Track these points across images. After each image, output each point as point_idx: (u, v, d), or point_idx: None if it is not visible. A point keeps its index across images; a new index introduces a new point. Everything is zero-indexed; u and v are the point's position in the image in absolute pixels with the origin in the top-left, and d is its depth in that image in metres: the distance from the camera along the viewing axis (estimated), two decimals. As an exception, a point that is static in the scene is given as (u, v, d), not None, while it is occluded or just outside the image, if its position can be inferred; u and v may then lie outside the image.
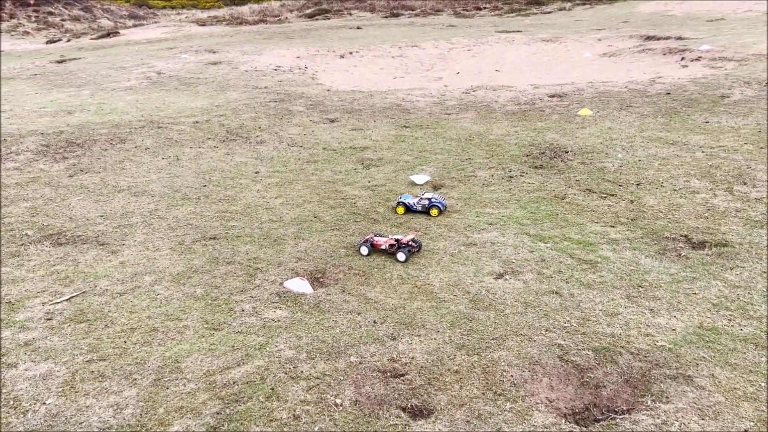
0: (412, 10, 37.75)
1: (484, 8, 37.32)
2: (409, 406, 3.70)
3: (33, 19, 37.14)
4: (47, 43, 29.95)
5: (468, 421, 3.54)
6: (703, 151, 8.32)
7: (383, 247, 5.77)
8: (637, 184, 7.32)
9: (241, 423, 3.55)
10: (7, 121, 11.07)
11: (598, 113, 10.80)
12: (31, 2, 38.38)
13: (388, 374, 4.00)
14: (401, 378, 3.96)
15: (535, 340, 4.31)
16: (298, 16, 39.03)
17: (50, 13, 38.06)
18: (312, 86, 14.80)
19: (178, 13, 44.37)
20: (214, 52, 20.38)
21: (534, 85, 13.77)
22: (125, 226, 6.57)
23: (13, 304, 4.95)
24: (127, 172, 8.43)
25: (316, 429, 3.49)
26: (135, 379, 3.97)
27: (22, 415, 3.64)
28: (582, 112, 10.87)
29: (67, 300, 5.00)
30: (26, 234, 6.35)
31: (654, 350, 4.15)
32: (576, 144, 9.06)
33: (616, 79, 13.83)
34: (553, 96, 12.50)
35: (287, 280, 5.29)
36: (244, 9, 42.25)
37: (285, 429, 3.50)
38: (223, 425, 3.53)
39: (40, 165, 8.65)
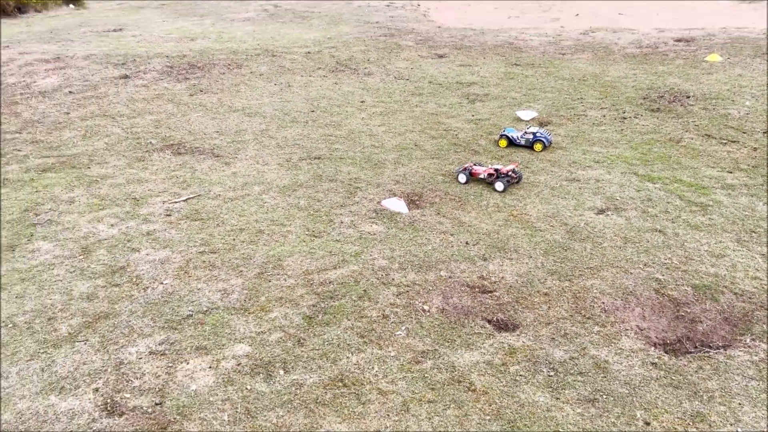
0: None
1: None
2: (494, 318, 3.77)
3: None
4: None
5: (553, 338, 3.57)
6: None
7: (482, 175, 5.77)
8: (764, 132, 6.78)
9: (334, 316, 3.77)
10: (137, 45, 11.83)
11: (729, 60, 9.98)
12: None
13: (477, 289, 4.08)
14: (489, 294, 4.02)
15: (631, 273, 4.21)
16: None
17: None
18: (423, 23, 14.63)
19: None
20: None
21: (659, 29, 12.87)
22: (238, 141, 6.95)
23: (137, 200, 5.43)
24: (242, 94, 8.83)
25: (403, 328, 3.66)
26: (241, 271, 4.30)
27: (143, 290, 4.07)
28: (710, 58, 10.08)
29: (184, 200, 5.43)
30: (150, 142, 6.88)
31: (761, 293, 3.94)
32: (699, 89, 8.46)
33: (753, 26, 12.64)
34: (679, 40, 11.64)
35: (385, 199, 5.43)
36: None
37: (374, 325, 3.69)
38: (317, 316, 3.78)
39: (164, 84, 9.24)
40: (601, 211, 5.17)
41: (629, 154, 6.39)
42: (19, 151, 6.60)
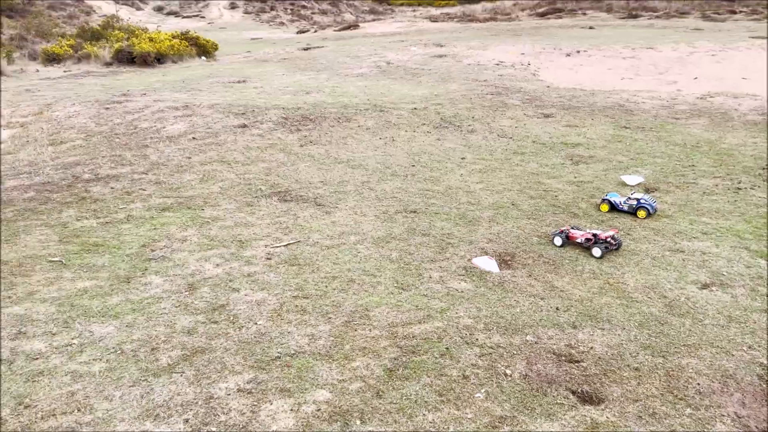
0: (654, 12, 35.19)
1: (740, 11, 33.44)
2: (579, 390, 3.66)
3: (288, 11, 41.72)
4: (297, 32, 33.47)
5: (640, 417, 3.40)
6: None
7: (579, 240, 5.65)
8: None
9: (414, 371, 3.81)
10: (257, 96, 12.72)
11: None
12: (289, -3, 43.07)
13: (563, 358, 3.98)
14: (576, 364, 3.91)
15: (733, 355, 3.95)
16: (530, 14, 38.64)
17: (303, 7, 42.41)
18: (531, 82, 14.68)
19: (414, 10, 46.51)
20: (441, 46, 21.12)
21: (787, 95, 12.13)
22: (340, 192, 7.25)
23: (242, 243, 5.79)
24: (348, 147, 9.23)
25: (482, 390, 3.63)
26: (330, 318, 4.45)
27: (238, 329, 4.31)
28: (844, 128, 9.37)
29: (284, 246, 5.72)
30: (260, 189, 7.33)
31: None
32: (829, 161, 7.87)
33: None
34: (809, 108, 10.92)
35: (476, 257, 5.45)
36: (477, 7, 42.93)
37: (453, 385, 3.69)
38: (398, 369, 3.83)
39: (278, 134, 9.84)
40: (705, 286, 4.90)
41: (742, 227, 6.04)
42: (143, 190, 7.25)
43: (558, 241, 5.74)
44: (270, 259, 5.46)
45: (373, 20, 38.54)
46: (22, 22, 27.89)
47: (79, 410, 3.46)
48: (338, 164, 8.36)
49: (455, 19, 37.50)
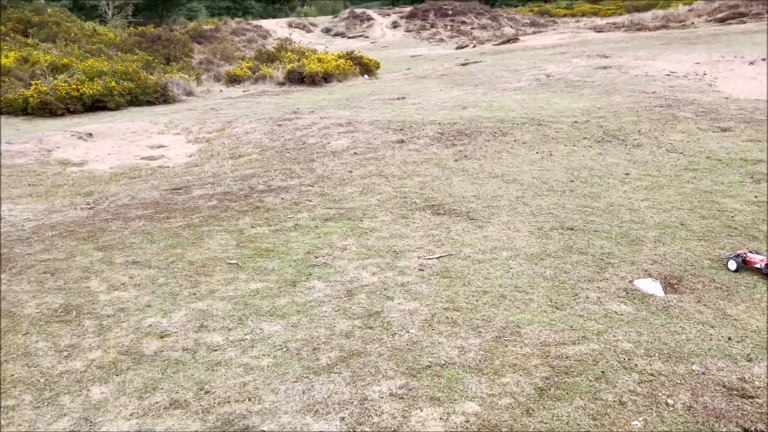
0: None
1: None
2: (753, 429, 3.34)
3: (448, 28, 42.33)
4: (456, 48, 33.84)
5: (827, 466, 3.04)
6: None
7: (758, 265, 5.15)
8: None
9: (567, 392, 3.72)
10: (415, 112, 13.08)
11: None
12: (450, 13, 43.73)
13: (734, 392, 3.66)
14: (749, 400, 3.58)
15: None
16: (707, 20, 35.67)
17: (462, 23, 42.81)
18: (707, 93, 13.57)
19: (577, 21, 44.97)
20: (606, 57, 20.23)
21: None
22: (493, 207, 7.24)
23: (397, 254, 6.01)
24: (503, 161, 9.18)
25: (640, 419, 3.45)
26: (480, 332, 4.48)
27: (391, 336, 4.49)
28: None
29: (436, 258, 5.85)
30: (415, 202, 7.55)
31: None
32: None
33: None
34: None
35: (638, 279, 5.17)
36: (646, 15, 40.49)
37: (608, 410, 3.54)
38: (549, 389, 3.76)
39: (433, 149, 10.05)
40: None
41: None
42: (309, 201, 7.78)
43: (732, 265, 5.27)
44: (422, 270, 5.60)
45: (534, 33, 37.87)
46: (209, 48, 31.17)
47: (249, 399, 3.82)
48: (492, 179, 8.36)
49: (622, 29, 35.70)
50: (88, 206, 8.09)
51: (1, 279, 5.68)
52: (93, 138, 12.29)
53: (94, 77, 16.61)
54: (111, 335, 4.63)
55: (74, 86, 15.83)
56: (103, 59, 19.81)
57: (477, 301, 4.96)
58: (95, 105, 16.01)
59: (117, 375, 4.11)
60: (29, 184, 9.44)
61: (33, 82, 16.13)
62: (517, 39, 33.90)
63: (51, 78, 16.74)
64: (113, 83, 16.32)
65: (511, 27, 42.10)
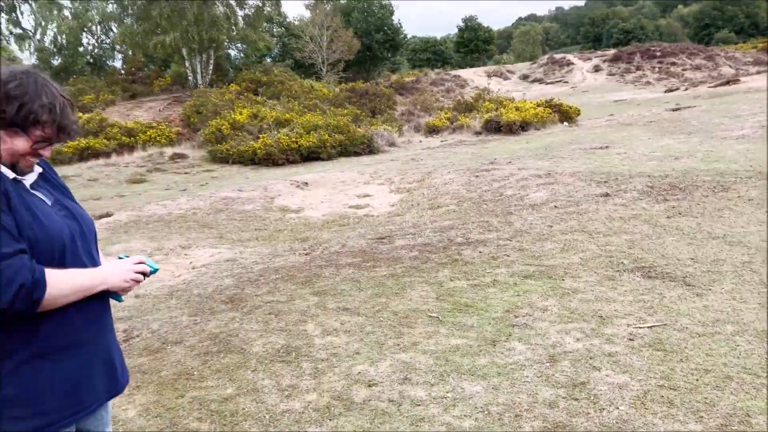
0: None
1: None
2: None
3: (656, 69, 39.93)
4: (665, 92, 31.75)
5: None
6: None
7: None
8: None
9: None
10: (620, 162, 12.48)
11: None
12: (658, 54, 41.30)
13: None
14: None
15: None
16: None
17: (672, 64, 40.12)
18: None
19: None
20: None
21: None
22: (714, 272, 6.60)
23: (603, 319, 5.72)
24: (725, 220, 8.35)
25: None
26: (701, 417, 4.07)
27: (599, 411, 4.26)
28: None
29: (648, 327, 5.46)
30: (622, 262, 7.15)
31: None
32: None
33: None
34: None
35: None
36: None
37: None
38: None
39: (642, 204, 9.47)
40: None
41: None
42: (507, 256, 7.75)
43: None
44: (632, 340, 5.26)
45: (758, 72, 34.21)
46: (410, 99, 32.87)
47: (451, 460, 3.87)
48: (712, 240, 7.63)
49: None
50: (305, 252, 8.90)
51: (236, 318, 6.46)
52: (308, 186, 13.55)
53: (311, 130, 18.39)
54: (325, 379, 5.01)
55: (294, 139, 17.67)
56: (318, 114, 21.87)
57: (697, 380, 4.53)
58: (310, 155, 17.69)
59: (330, 419, 4.42)
60: (256, 229, 10.65)
61: (261, 136, 18.33)
62: (738, 80, 30.85)
63: (275, 132, 18.87)
64: (326, 136, 17.91)
65: (731, 66, 38.47)
